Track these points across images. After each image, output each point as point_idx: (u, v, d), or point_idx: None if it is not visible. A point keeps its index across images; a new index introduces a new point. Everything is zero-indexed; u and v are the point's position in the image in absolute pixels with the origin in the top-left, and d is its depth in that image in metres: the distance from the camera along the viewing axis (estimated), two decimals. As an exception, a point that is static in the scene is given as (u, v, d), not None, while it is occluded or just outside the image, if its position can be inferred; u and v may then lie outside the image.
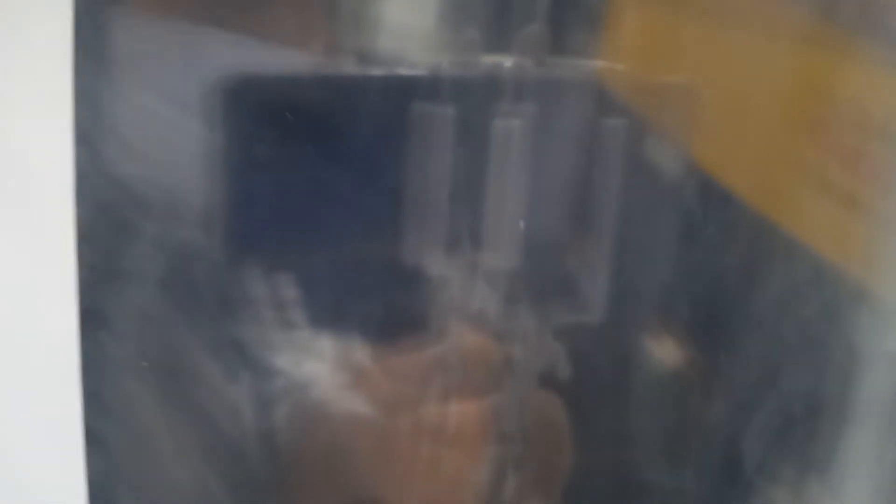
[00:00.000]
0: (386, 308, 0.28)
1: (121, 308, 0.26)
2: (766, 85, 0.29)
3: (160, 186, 0.25)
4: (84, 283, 0.24)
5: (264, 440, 0.28)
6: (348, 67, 0.27)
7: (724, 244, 0.30)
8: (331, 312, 0.27)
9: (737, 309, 0.30)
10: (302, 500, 0.30)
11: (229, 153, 0.25)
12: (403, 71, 0.26)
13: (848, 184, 0.29)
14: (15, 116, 0.23)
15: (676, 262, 0.30)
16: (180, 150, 0.25)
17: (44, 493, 0.26)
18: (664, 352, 0.31)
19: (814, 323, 0.30)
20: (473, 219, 0.27)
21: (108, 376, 0.26)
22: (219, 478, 0.28)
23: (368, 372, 0.28)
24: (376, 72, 0.26)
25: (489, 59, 0.26)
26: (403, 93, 0.26)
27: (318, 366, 0.27)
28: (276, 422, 0.28)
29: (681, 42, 0.29)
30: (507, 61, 0.26)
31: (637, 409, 0.31)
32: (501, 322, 0.28)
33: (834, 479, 0.32)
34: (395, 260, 0.27)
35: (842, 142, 0.29)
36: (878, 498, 0.32)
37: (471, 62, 0.26)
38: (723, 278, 0.30)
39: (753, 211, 0.29)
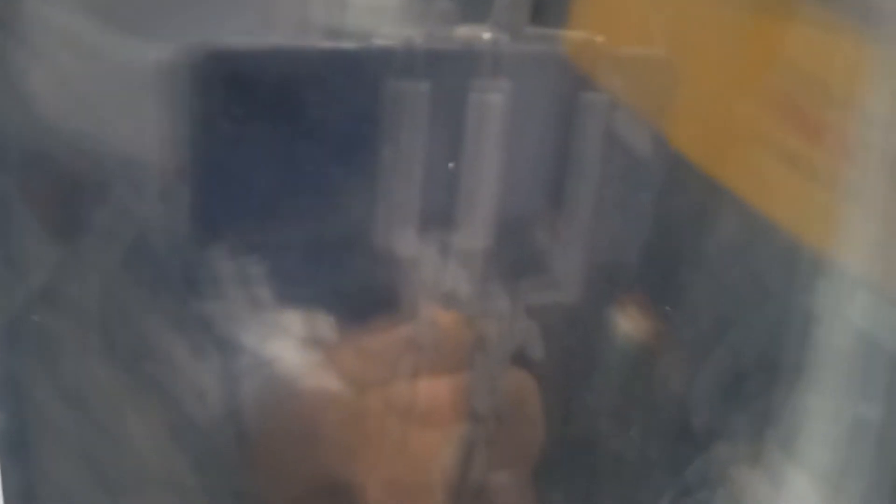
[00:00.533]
0: (356, 286, 0.27)
1: (75, 284, 0.25)
2: (725, 54, 0.29)
3: (119, 157, 0.24)
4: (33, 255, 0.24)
5: (231, 419, 0.28)
6: (317, 41, 0.26)
7: (691, 217, 0.30)
8: (299, 290, 0.27)
9: (699, 277, 0.30)
10: (270, 480, 0.29)
11: (194, 128, 0.24)
12: (375, 44, 0.26)
13: (807, 153, 0.30)
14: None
15: (645, 236, 0.30)
16: (141, 124, 0.24)
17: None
18: (630, 323, 0.31)
19: (769, 286, 0.31)
20: (446, 197, 0.27)
21: (60, 354, 0.26)
22: (185, 457, 0.28)
23: (337, 350, 0.28)
24: (346, 45, 0.25)
25: (464, 32, 0.26)
26: (375, 67, 0.25)
27: (286, 344, 0.27)
28: (243, 400, 0.28)
29: (645, 11, 0.28)
30: (483, 34, 0.26)
31: (604, 381, 0.31)
32: (473, 301, 0.28)
33: (788, 437, 0.32)
34: (365, 238, 0.27)
35: (803, 112, 0.30)
36: (832, 457, 0.33)
37: (444, 35, 0.26)
38: (688, 250, 0.30)
39: (715, 181, 0.30)
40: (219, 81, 0.24)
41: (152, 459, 0.28)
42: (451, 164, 0.27)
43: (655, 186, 0.29)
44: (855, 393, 0.32)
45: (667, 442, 0.32)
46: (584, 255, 0.29)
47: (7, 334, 0.25)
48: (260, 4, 0.26)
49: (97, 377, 0.26)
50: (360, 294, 0.28)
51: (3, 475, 0.25)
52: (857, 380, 0.32)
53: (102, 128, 0.24)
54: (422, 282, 0.27)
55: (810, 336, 0.31)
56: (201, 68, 0.24)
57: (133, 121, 0.24)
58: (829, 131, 0.30)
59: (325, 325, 0.27)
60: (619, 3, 0.30)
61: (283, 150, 0.26)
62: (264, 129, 0.25)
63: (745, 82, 0.30)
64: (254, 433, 0.28)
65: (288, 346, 0.27)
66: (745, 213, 0.30)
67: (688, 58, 0.29)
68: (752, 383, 0.32)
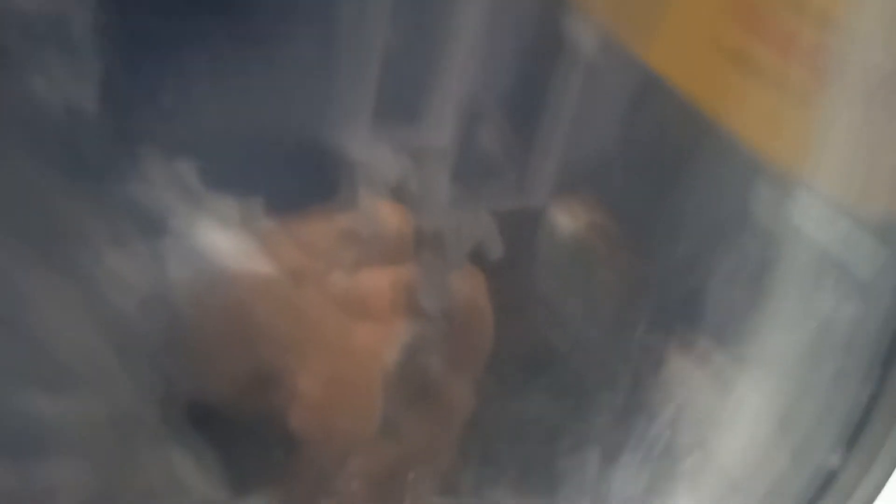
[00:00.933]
0: (296, 174, 0.26)
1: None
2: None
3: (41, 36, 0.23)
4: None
5: (161, 309, 0.27)
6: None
7: (649, 124, 0.30)
8: (237, 176, 0.26)
9: (650, 182, 0.30)
10: (203, 373, 0.28)
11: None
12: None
13: (774, 65, 0.30)
14: None
15: (602, 141, 0.29)
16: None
17: None
18: (578, 222, 0.30)
19: (719, 196, 0.31)
20: (403, 90, 0.26)
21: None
22: (112, 350, 0.27)
23: (273, 238, 0.27)
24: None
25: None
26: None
27: (220, 231, 0.26)
28: (173, 289, 0.27)
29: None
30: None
31: (554, 280, 0.31)
32: (424, 197, 0.27)
33: (734, 338, 0.33)
34: (309, 126, 0.25)
35: (767, 22, 0.30)
36: (783, 366, 0.34)
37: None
38: (644, 156, 0.30)
39: (674, 89, 0.29)
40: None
41: (77, 354, 0.26)
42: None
43: (615, 91, 0.29)
44: (813, 305, 0.32)
45: (607, 340, 0.32)
46: (540, 157, 0.28)
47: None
48: None
49: (13, 266, 0.25)
50: (300, 182, 0.27)
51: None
52: (813, 295, 0.32)
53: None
54: (368, 174, 0.26)
55: (763, 247, 0.31)
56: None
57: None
58: (800, 45, 0.30)
59: (261, 211, 0.26)
60: None
61: (225, 27, 0.24)
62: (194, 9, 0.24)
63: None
64: (185, 323, 0.27)
65: (221, 233, 0.26)
66: (702, 121, 0.30)
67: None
68: (695, 284, 0.32)
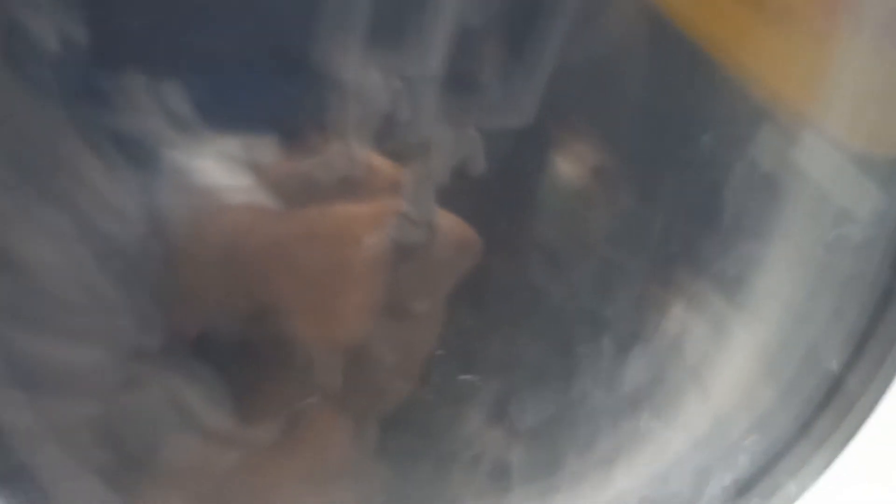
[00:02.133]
0: (285, 107, 0.26)
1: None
2: None
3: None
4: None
5: (153, 240, 0.27)
6: None
7: (649, 61, 0.29)
8: (223, 107, 0.26)
9: (646, 120, 0.30)
10: (195, 306, 0.29)
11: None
12: None
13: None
14: None
15: (597, 71, 0.29)
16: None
17: None
18: (575, 159, 0.30)
19: (720, 138, 0.31)
20: (392, 15, 0.25)
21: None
22: (109, 283, 0.27)
23: (261, 170, 0.27)
24: None
25: None
26: None
27: (210, 162, 0.26)
28: (165, 220, 0.27)
29: None
30: None
31: (545, 216, 0.31)
32: (412, 127, 0.27)
33: (733, 285, 0.34)
34: (299, 56, 0.25)
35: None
36: (784, 313, 0.34)
37: None
38: (642, 93, 0.30)
39: (680, 28, 0.29)
40: None
41: (72, 285, 0.27)
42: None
43: (609, 20, 0.28)
44: (813, 250, 0.33)
45: (603, 284, 0.32)
46: (528, 77, 0.27)
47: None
48: None
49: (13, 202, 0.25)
50: (289, 115, 0.26)
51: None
52: (815, 238, 0.33)
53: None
54: (359, 98, 0.26)
55: (765, 190, 0.32)
56: None
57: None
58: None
59: (249, 144, 0.26)
60: None
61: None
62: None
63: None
64: (177, 254, 0.27)
65: (211, 164, 0.26)
66: (704, 58, 0.29)
67: None
68: (693, 229, 0.32)
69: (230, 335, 0.29)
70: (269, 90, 0.26)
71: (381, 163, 0.28)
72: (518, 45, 0.27)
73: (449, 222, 0.29)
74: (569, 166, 0.30)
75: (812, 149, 0.31)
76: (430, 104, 0.27)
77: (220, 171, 0.26)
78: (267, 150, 0.27)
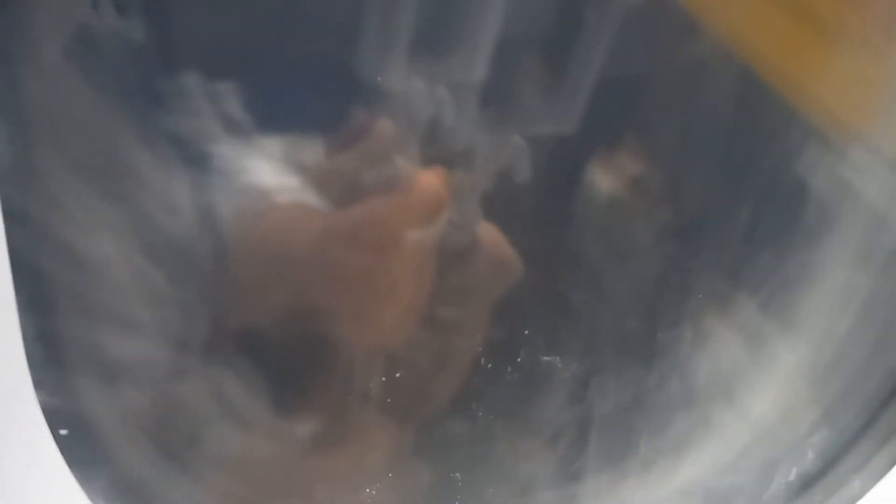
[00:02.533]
0: (332, 110, 0.27)
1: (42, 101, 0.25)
2: None
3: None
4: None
5: (204, 238, 0.28)
6: None
7: (692, 74, 0.29)
8: (273, 109, 0.26)
9: (693, 136, 0.30)
10: (241, 302, 0.29)
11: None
12: None
13: (839, 16, 0.29)
14: None
15: (643, 83, 0.29)
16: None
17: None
18: (618, 179, 0.30)
19: (766, 156, 0.31)
20: (439, 25, 0.26)
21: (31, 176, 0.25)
22: (160, 277, 0.28)
23: (310, 170, 0.27)
24: None
25: None
26: None
27: (262, 163, 0.27)
28: (218, 218, 0.27)
29: None
30: None
31: (584, 226, 0.31)
32: (457, 134, 0.28)
33: (774, 301, 0.34)
34: (345, 63, 0.26)
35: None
36: (815, 320, 0.35)
37: None
38: (686, 107, 0.30)
39: (726, 43, 0.29)
40: None
41: (126, 278, 0.27)
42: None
43: (657, 36, 0.28)
44: (856, 262, 0.33)
45: (641, 291, 0.33)
46: (573, 87, 0.28)
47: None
48: None
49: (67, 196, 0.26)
50: (336, 117, 0.27)
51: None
52: (860, 251, 0.33)
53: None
54: (404, 108, 0.27)
55: (817, 212, 0.32)
56: None
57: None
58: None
59: (297, 146, 0.27)
60: None
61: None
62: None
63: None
64: (226, 251, 0.28)
65: (261, 164, 0.27)
66: (752, 75, 0.29)
67: None
68: (734, 242, 0.32)
69: (273, 332, 0.30)
70: (317, 94, 0.26)
71: (426, 167, 0.28)
72: (563, 55, 0.27)
73: (492, 238, 0.30)
74: (605, 182, 0.30)
75: (867, 169, 0.31)
76: (475, 111, 0.27)
77: (268, 171, 0.27)
78: (314, 151, 0.27)
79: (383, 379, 0.31)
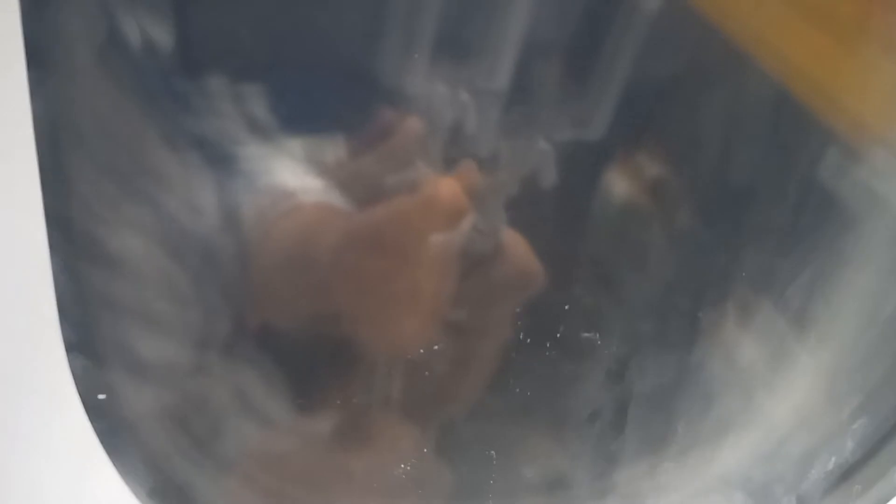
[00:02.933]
0: (356, 113, 0.27)
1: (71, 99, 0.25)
2: None
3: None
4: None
5: (228, 237, 0.28)
6: None
7: (714, 79, 0.29)
8: (297, 111, 0.27)
9: (714, 141, 0.30)
10: (263, 301, 0.30)
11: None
12: None
13: (860, 16, 0.29)
14: None
15: (664, 89, 0.29)
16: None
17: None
18: (635, 183, 0.30)
19: (785, 161, 0.31)
20: (462, 29, 0.26)
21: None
22: (183, 276, 0.28)
23: (334, 171, 0.28)
24: None
25: None
26: None
27: (286, 164, 0.27)
28: (239, 219, 0.28)
29: None
30: None
31: (605, 229, 0.31)
32: (481, 138, 0.28)
33: (796, 307, 0.33)
34: (367, 67, 0.26)
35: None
36: (838, 324, 0.34)
37: None
38: (709, 112, 0.30)
39: (744, 48, 0.29)
40: None
41: (150, 277, 0.28)
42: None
43: (683, 43, 0.28)
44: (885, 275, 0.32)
45: (655, 297, 0.33)
46: (597, 92, 0.28)
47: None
48: None
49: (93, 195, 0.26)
50: (360, 120, 0.27)
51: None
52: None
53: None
54: (426, 112, 0.27)
55: (839, 218, 0.31)
56: None
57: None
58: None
59: (321, 147, 0.27)
60: None
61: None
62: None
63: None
64: (249, 250, 0.28)
65: (284, 165, 0.27)
66: (771, 80, 0.29)
67: None
68: (757, 250, 0.32)
69: (294, 331, 0.30)
70: (341, 97, 0.27)
71: (449, 172, 0.28)
72: (588, 59, 0.27)
73: (516, 246, 0.30)
74: (622, 187, 0.30)
75: (892, 174, 0.31)
76: (499, 116, 0.27)
77: (292, 172, 0.27)
78: (337, 153, 0.27)
79: (403, 381, 0.31)
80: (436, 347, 0.31)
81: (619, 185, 0.30)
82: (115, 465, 0.30)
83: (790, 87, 0.29)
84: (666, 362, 0.34)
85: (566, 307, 0.32)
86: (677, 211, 0.31)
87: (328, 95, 0.26)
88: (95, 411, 0.29)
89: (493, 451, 0.34)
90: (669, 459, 0.35)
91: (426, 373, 0.31)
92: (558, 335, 0.32)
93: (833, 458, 0.36)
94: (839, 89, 0.30)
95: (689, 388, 0.34)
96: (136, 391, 0.29)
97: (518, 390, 0.33)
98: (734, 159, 0.30)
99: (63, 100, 0.25)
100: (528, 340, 0.32)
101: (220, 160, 0.26)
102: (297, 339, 0.30)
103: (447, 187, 0.28)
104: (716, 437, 0.36)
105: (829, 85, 0.29)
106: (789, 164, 0.31)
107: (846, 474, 0.36)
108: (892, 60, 0.29)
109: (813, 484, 0.36)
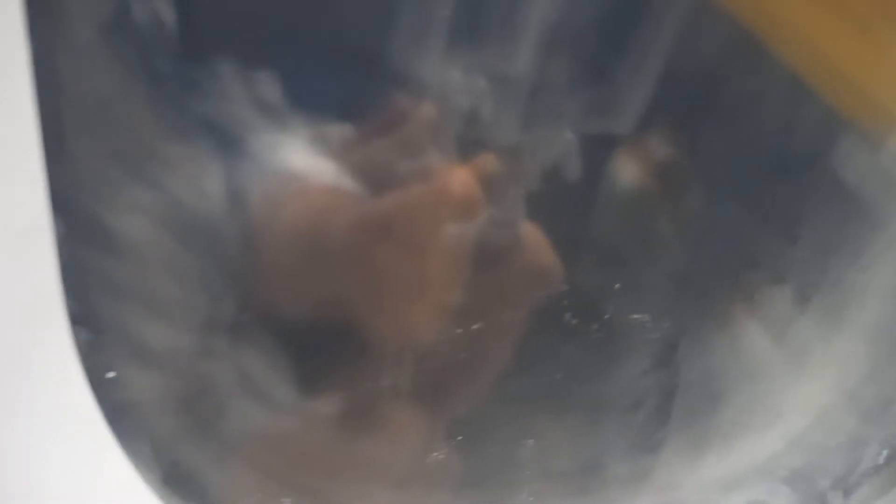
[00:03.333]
0: (367, 97, 0.27)
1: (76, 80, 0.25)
2: None
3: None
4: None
5: (235, 220, 0.28)
6: None
7: (731, 67, 0.28)
8: (308, 95, 0.26)
9: (729, 127, 0.29)
10: (270, 285, 0.29)
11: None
12: None
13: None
14: None
15: (683, 75, 0.28)
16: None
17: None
18: (644, 165, 0.29)
19: (791, 143, 0.29)
20: (477, 12, 0.25)
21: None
22: (190, 259, 0.28)
23: (345, 155, 0.27)
24: None
25: None
26: None
27: (294, 148, 0.27)
28: (248, 202, 0.27)
29: None
30: None
31: (621, 219, 0.30)
32: (499, 127, 0.27)
33: (801, 292, 0.32)
34: (379, 51, 0.25)
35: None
36: (867, 323, 0.32)
37: None
38: (725, 100, 0.28)
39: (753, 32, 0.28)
40: None
41: (155, 260, 0.28)
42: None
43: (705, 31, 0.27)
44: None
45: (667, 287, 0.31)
46: (622, 83, 0.27)
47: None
48: None
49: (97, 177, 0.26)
50: (371, 104, 0.26)
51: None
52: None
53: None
54: (441, 96, 0.26)
55: (854, 207, 0.30)
56: None
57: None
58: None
59: (332, 131, 0.27)
60: None
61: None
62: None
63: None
64: (257, 234, 0.28)
65: (294, 149, 0.27)
66: (785, 66, 0.28)
67: None
68: (773, 239, 0.31)
69: (301, 316, 0.29)
70: (352, 81, 0.26)
71: (465, 162, 0.27)
72: (620, 47, 0.26)
73: (534, 241, 0.29)
74: (630, 169, 0.29)
75: None
76: (520, 105, 0.26)
77: (301, 155, 0.26)
78: (349, 138, 0.27)
79: (412, 369, 0.30)
80: (445, 338, 0.30)
81: (633, 172, 0.29)
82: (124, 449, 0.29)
83: (806, 73, 0.28)
84: (713, 346, 0.32)
85: (616, 286, 0.30)
86: (694, 196, 0.30)
87: (339, 79, 0.26)
88: (102, 390, 0.28)
89: (530, 440, 0.32)
90: (713, 450, 0.33)
91: (436, 363, 0.30)
92: (606, 316, 0.30)
93: (885, 452, 0.34)
94: (857, 75, 0.29)
95: (738, 372, 0.32)
96: (140, 374, 0.29)
97: (559, 376, 0.31)
98: (746, 146, 0.29)
99: (67, 80, 0.25)
100: (575, 322, 0.30)
101: (228, 143, 0.26)
102: (302, 323, 0.30)
103: (461, 177, 0.27)
104: (764, 424, 0.34)
105: (847, 70, 0.28)
106: (807, 152, 0.30)
107: (897, 467, 0.34)
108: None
109: (861, 477, 0.34)
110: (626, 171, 0.29)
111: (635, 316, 0.30)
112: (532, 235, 0.29)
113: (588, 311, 0.30)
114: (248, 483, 0.31)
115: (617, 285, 0.30)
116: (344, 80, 0.26)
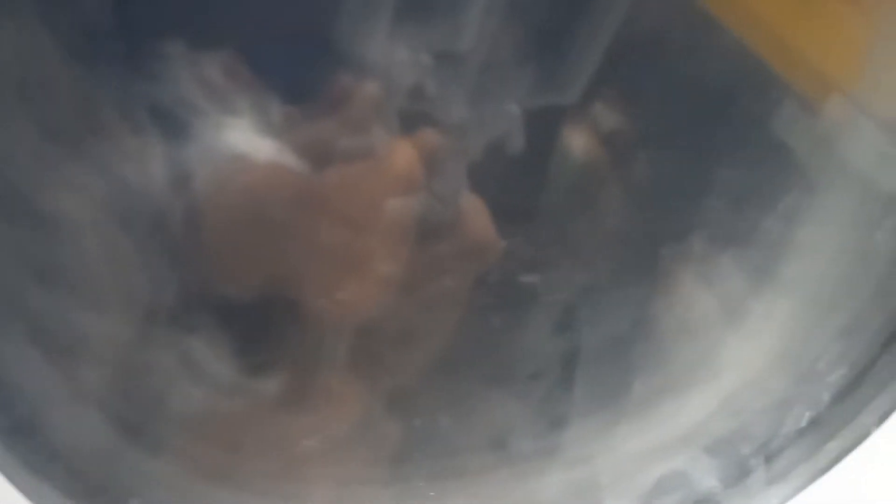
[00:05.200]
0: (315, 78, 0.26)
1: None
2: None
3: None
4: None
5: (178, 202, 0.27)
6: None
7: (676, 35, 0.28)
8: (252, 76, 0.26)
9: (673, 94, 0.29)
10: (213, 266, 0.29)
11: None
12: None
13: None
14: None
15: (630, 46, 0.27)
16: None
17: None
18: (591, 136, 0.29)
19: (741, 115, 0.29)
20: None
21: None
22: (131, 243, 0.27)
23: (287, 134, 0.27)
24: None
25: None
26: None
27: (238, 127, 0.26)
28: (191, 183, 0.27)
29: None
30: None
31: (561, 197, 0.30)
32: (443, 103, 0.27)
33: (754, 263, 0.31)
34: (324, 30, 0.25)
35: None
36: (800, 284, 0.32)
37: None
38: (669, 67, 0.28)
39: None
40: None
41: (95, 244, 0.27)
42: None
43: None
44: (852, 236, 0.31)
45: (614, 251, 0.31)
46: (567, 55, 0.27)
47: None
48: None
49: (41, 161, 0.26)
50: (315, 83, 0.26)
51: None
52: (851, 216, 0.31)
53: None
54: (385, 75, 0.26)
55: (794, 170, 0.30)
56: None
57: None
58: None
59: (275, 111, 0.26)
60: None
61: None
62: None
63: None
64: (200, 214, 0.28)
65: (237, 129, 0.26)
66: (729, 34, 0.28)
67: None
68: (715, 204, 0.30)
69: (243, 294, 0.29)
70: (297, 61, 0.26)
71: (408, 136, 0.27)
72: (565, 19, 0.26)
73: (476, 216, 0.29)
74: (578, 139, 0.29)
75: (855, 130, 0.29)
76: (464, 80, 0.26)
77: (246, 136, 0.27)
78: (292, 117, 0.27)
79: (351, 344, 0.30)
80: (385, 312, 0.30)
81: (578, 142, 0.29)
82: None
83: (749, 40, 0.28)
84: (620, 308, 0.30)
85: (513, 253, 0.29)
86: (633, 164, 0.30)
87: (285, 60, 0.26)
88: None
89: (417, 421, 0.31)
90: (625, 419, 0.32)
91: (375, 337, 0.30)
92: (489, 280, 0.29)
93: (808, 414, 0.32)
94: (797, 41, 0.29)
95: (646, 336, 0.31)
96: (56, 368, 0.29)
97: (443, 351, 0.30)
98: (689, 114, 0.29)
99: (4, 55, 0.24)
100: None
101: (172, 123, 0.26)
102: (244, 301, 0.29)
103: (401, 151, 0.28)
104: (679, 390, 0.32)
105: (788, 37, 0.29)
106: (746, 117, 0.29)
107: (819, 430, 0.33)
108: (856, 9, 0.28)
109: (784, 441, 0.33)
110: (572, 141, 0.28)
111: (526, 278, 0.29)
112: (473, 209, 0.29)
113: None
114: (187, 464, 0.32)
115: (503, 243, 0.28)
116: (289, 61, 0.26)
